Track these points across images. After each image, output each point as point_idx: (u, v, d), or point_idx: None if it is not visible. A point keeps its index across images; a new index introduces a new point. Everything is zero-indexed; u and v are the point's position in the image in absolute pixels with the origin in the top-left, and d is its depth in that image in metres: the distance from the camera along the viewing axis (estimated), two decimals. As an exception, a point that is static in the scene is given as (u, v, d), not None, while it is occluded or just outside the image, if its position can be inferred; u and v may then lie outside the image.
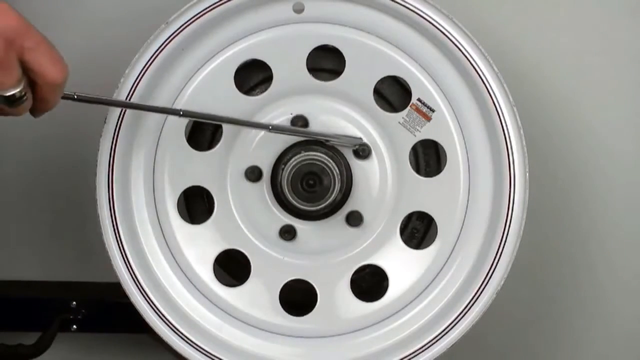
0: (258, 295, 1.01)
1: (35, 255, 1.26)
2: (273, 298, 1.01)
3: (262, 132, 1.01)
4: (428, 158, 1.04)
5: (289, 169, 0.98)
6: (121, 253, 0.99)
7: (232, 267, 1.05)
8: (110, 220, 0.99)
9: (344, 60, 1.00)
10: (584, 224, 1.23)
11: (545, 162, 1.20)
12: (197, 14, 0.98)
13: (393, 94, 1.04)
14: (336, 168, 0.99)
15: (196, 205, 1.06)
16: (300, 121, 1.00)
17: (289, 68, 1.00)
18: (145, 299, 0.99)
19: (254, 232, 1.01)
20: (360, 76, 1.00)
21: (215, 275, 1.02)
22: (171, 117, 1.00)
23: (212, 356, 0.99)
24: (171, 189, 1.01)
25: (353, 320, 1.01)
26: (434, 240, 1.01)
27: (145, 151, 1.00)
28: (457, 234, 1.00)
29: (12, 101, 0.77)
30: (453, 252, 1.01)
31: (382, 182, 1.01)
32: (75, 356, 1.25)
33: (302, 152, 0.99)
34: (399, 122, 1.00)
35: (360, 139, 1.00)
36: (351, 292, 1.01)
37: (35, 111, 0.81)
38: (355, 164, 1.01)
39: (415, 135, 1.00)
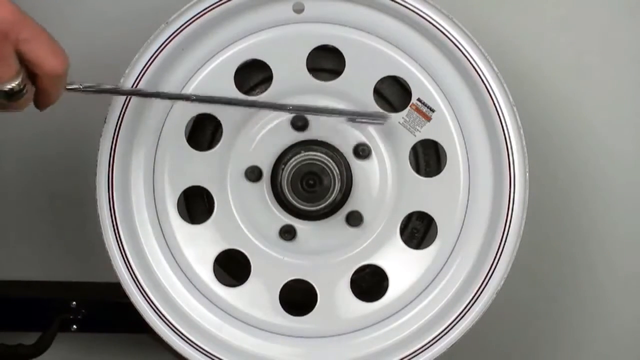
0: (258, 295, 1.01)
1: (35, 255, 1.26)
2: (273, 298, 1.01)
3: (262, 132, 1.01)
4: (428, 158, 1.04)
5: (289, 169, 0.98)
6: (121, 253, 0.99)
7: (232, 267, 1.05)
8: (110, 220, 0.99)
9: (344, 60, 1.00)
10: (584, 224, 1.23)
11: (545, 162, 1.20)
12: (197, 14, 0.97)
13: (393, 94, 1.04)
14: (336, 168, 0.99)
15: (196, 205, 1.06)
16: (300, 121, 1.00)
17: (289, 68, 1.00)
18: (145, 299, 0.99)
19: (254, 232, 1.01)
20: (360, 76, 1.00)
21: (215, 275, 1.01)
22: (171, 117, 1.00)
23: (212, 356, 0.99)
24: (171, 189, 1.01)
25: (353, 320, 1.01)
26: (434, 240, 1.01)
27: (145, 151, 1.00)
28: (457, 234, 1.00)
29: (11, 95, 0.75)
30: (453, 252, 1.01)
31: (382, 182, 1.01)
32: (75, 356, 1.25)
33: (302, 152, 0.99)
34: (399, 122, 1.00)
35: (386, 114, 0.98)
36: (351, 292, 1.01)
37: (38, 104, 0.80)
38: (355, 164, 1.01)
39: (415, 135, 1.00)
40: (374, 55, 0.99)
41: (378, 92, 1.02)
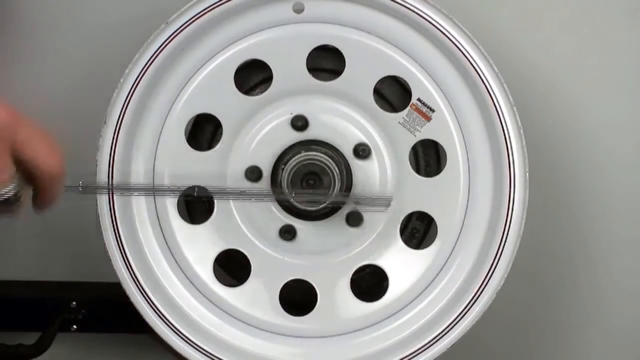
0: (258, 295, 1.01)
1: (35, 255, 1.25)
2: (273, 298, 1.01)
3: (262, 132, 1.01)
4: (428, 158, 1.04)
5: (289, 169, 0.98)
6: (121, 253, 0.99)
7: (232, 267, 1.05)
8: (110, 220, 0.99)
9: (344, 60, 1.00)
10: (583, 224, 1.23)
11: (545, 162, 1.19)
12: (197, 14, 0.98)
13: (393, 94, 1.04)
14: (336, 168, 0.99)
15: (196, 205, 1.06)
16: (300, 121, 1.00)
17: (289, 68, 1.00)
18: (145, 299, 0.99)
19: (254, 232, 1.01)
20: (360, 76, 1.00)
21: (215, 275, 1.02)
22: (171, 117, 1.00)
23: (212, 356, 0.99)
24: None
25: (353, 320, 1.01)
26: (434, 240, 1.01)
27: (145, 151, 1.00)
28: (457, 234, 1.01)
29: (6, 201, 0.72)
30: (453, 252, 1.01)
31: (382, 182, 1.01)
32: (75, 356, 1.25)
33: (302, 152, 0.99)
34: (399, 122, 1.00)
35: (389, 198, 0.99)
36: (351, 292, 1.01)
37: (37, 206, 0.76)
38: (355, 164, 1.01)
39: (415, 135, 1.00)
40: (374, 55, 1.00)
41: (378, 92, 1.02)
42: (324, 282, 1.01)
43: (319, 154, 0.99)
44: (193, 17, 0.98)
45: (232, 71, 1.00)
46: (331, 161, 0.99)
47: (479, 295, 0.99)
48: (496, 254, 0.98)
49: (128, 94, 0.98)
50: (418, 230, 1.05)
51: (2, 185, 0.71)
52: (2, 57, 1.18)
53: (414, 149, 1.02)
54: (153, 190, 0.99)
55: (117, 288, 1.00)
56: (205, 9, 0.97)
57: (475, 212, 1.00)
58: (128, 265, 0.99)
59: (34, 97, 1.19)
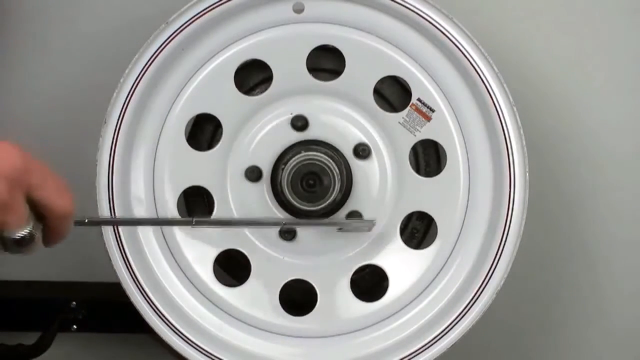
0: (258, 295, 1.01)
1: (35, 255, 1.25)
2: (273, 298, 1.01)
3: (262, 132, 1.01)
4: (428, 158, 1.04)
5: (289, 169, 0.98)
6: (121, 253, 0.99)
7: (232, 267, 1.05)
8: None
9: (344, 60, 1.00)
10: (583, 224, 1.23)
11: (545, 162, 1.19)
12: (197, 14, 0.98)
13: (393, 94, 1.04)
14: (336, 168, 0.99)
15: (196, 205, 1.06)
16: (300, 121, 1.00)
17: (289, 68, 1.00)
18: (145, 299, 0.99)
19: (254, 232, 1.01)
20: (360, 76, 1.00)
21: (215, 275, 1.02)
22: (171, 117, 1.00)
23: (212, 356, 0.99)
24: (171, 189, 1.01)
25: (353, 320, 1.01)
26: (434, 240, 1.01)
27: (145, 151, 1.00)
28: (457, 234, 1.00)
29: (21, 242, 0.74)
30: (453, 252, 1.01)
31: (382, 182, 1.01)
32: (75, 356, 1.25)
33: (302, 152, 0.99)
34: (399, 122, 1.00)
35: (372, 221, 1.00)
36: (351, 292, 1.01)
37: (47, 243, 0.78)
38: (355, 164, 1.01)
39: (415, 135, 1.00)
40: (374, 55, 0.99)
41: (378, 92, 1.02)
42: (324, 282, 1.01)
43: (319, 154, 0.99)
44: (193, 17, 0.97)
45: (232, 71, 1.00)
46: (331, 161, 0.99)
47: (479, 295, 0.99)
48: (496, 254, 0.98)
49: (128, 94, 0.98)
50: (418, 230, 1.05)
51: (19, 227, 0.73)
52: (2, 57, 1.18)
53: (414, 149, 1.02)
54: (158, 222, 1.00)
55: (117, 288, 1.00)
56: (205, 9, 0.97)
57: (475, 212, 1.00)
58: (128, 265, 0.99)
59: (34, 97, 1.19)
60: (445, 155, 1.01)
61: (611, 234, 1.23)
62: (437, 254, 1.01)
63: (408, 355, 0.99)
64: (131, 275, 0.99)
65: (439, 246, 1.01)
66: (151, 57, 0.98)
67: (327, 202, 0.98)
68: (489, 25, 1.18)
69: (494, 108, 0.98)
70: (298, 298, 1.02)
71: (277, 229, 1.01)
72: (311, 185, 0.98)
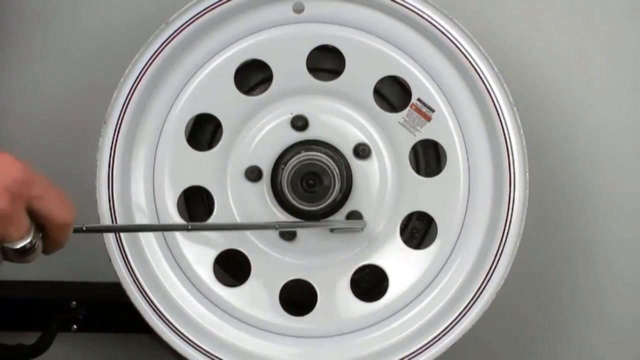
0: (258, 295, 1.01)
1: (36, 256, 1.25)
2: (273, 298, 1.01)
3: (262, 132, 1.01)
4: (428, 158, 1.04)
5: (289, 169, 0.98)
6: (121, 253, 0.99)
7: (232, 267, 1.05)
8: (110, 220, 0.99)
9: (344, 60, 1.00)
10: (584, 224, 1.23)
11: (545, 162, 1.19)
12: (197, 14, 0.98)
13: (393, 94, 1.04)
14: (336, 168, 0.99)
15: (196, 205, 1.06)
16: (300, 121, 1.00)
17: (289, 68, 1.00)
18: (145, 299, 0.99)
19: (254, 232, 1.01)
20: (360, 76, 1.00)
21: (215, 275, 1.02)
22: (171, 117, 1.00)
23: (212, 356, 0.99)
24: (171, 189, 1.01)
25: (353, 320, 1.01)
26: (434, 240, 1.01)
27: (145, 151, 1.00)
28: (457, 234, 1.01)
29: (23, 252, 0.75)
30: (453, 252, 1.01)
31: (382, 182, 1.01)
32: (75, 356, 1.25)
33: (302, 152, 0.99)
34: (399, 122, 1.00)
35: (362, 222, 1.00)
36: (351, 292, 1.01)
37: (46, 251, 0.80)
38: (355, 164, 1.01)
39: (415, 135, 1.00)
40: (374, 55, 0.99)
41: (378, 92, 1.02)
42: (324, 282, 1.01)
43: (319, 154, 0.99)
44: (193, 17, 0.98)
45: (232, 71, 1.00)
46: (331, 161, 0.99)
47: (479, 295, 0.99)
48: (496, 254, 0.98)
49: (128, 94, 0.98)
50: (418, 230, 1.05)
51: (20, 238, 0.74)
52: (2, 57, 1.18)
53: (414, 149, 1.02)
54: (154, 228, 1.00)
55: (117, 288, 1.00)
56: (205, 9, 0.97)
57: (475, 212, 1.00)
58: (128, 265, 0.99)
59: (34, 97, 1.19)
60: (445, 155, 1.01)
61: (611, 234, 1.23)
62: (437, 254, 1.01)
63: (408, 355, 0.99)
64: (131, 275, 0.99)
65: (439, 246, 1.01)
66: (151, 57, 0.98)
67: (327, 202, 0.98)
68: (489, 25, 1.18)
69: (494, 108, 0.98)
70: (298, 298, 1.02)
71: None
72: (311, 185, 0.98)
